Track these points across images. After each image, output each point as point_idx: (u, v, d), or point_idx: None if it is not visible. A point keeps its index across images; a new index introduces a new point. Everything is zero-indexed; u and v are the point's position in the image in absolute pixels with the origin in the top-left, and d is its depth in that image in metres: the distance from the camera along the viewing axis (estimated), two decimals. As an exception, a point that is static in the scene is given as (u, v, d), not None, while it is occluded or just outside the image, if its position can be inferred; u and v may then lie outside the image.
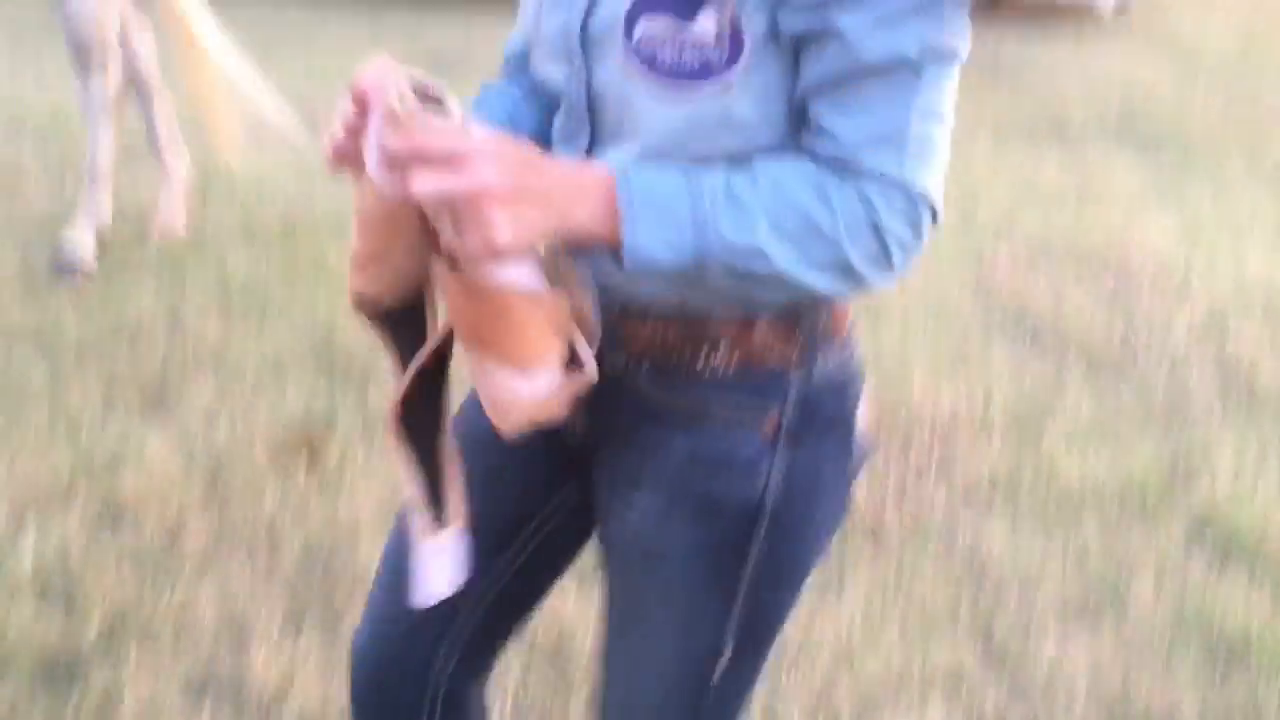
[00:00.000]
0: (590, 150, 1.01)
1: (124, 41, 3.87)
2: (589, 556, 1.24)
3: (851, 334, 1.07)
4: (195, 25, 3.76)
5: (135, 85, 4.00)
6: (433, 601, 1.01)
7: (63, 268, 3.74)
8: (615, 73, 0.95)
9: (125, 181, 4.44)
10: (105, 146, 3.84)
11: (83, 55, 3.62)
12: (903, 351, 3.58)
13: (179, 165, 4.11)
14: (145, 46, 3.95)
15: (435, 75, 0.92)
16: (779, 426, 1.00)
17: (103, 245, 3.91)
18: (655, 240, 0.86)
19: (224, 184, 4.43)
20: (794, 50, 0.89)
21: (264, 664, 2.28)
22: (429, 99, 0.86)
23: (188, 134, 4.12)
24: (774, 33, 0.89)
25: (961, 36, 0.89)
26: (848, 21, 0.85)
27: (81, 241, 3.79)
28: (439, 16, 7.70)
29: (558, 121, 1.05)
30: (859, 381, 1.07)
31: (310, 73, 6.45)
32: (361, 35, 7.48)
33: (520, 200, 0.81)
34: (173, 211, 4.12)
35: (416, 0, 8.09)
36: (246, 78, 3.80)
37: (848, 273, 0.90)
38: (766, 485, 1.00)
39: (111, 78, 3.75)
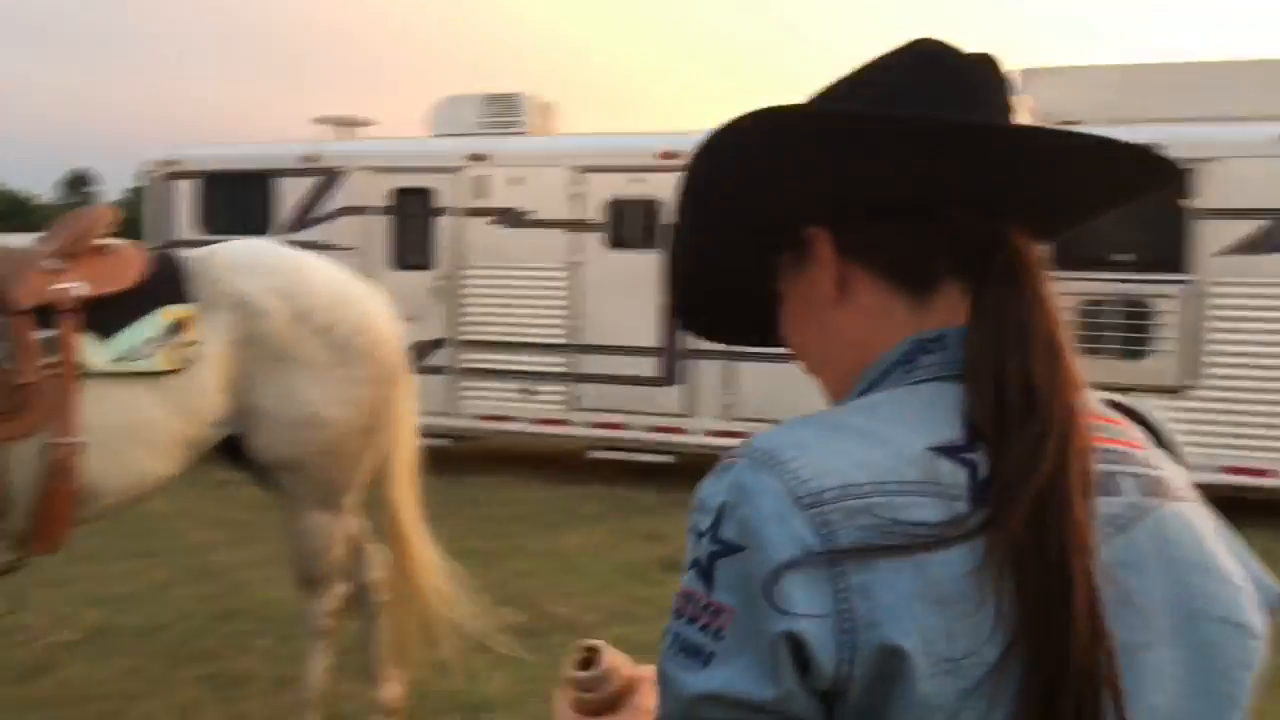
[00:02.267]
0: None
1: (354, 557, 3.90)
2: None
3: None
4: (415, 542, 3.78)
5: (360, 600, 3.98)
6: None
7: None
8: None
9: (345, 691, 4.36)
10: (318, 667, 3.75)
11: (308, 575, 3.62)
12: None
13: (392, 683, 3.96)
14: (375, 564, 3.95)
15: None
16: None
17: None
18: None
19: (437, 701, 4.24)
20: None
21: None
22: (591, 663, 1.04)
23: (404, 651, 4.01)
24: None
25: None
26: None
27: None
28: (680, 521, 7.70)
29: None
30: None
31: (543, 563, 6.49)
32: (603, 531, 7.56)
33: None
34: (381, 730, 3.93)
35: (661, 503, 8.23)
36: (459, 598, 3.75)
37: None
38: None
39: (334, 599, 3.72)
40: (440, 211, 9.83)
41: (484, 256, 9.71)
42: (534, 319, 9.53)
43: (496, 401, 9.64)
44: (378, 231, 10.00)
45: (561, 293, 9.44)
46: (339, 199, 10.11)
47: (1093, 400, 0.89)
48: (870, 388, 0.91)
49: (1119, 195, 0.98)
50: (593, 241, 9.34)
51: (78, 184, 72.67)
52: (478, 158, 9.71)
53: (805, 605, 0.76)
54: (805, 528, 0.78)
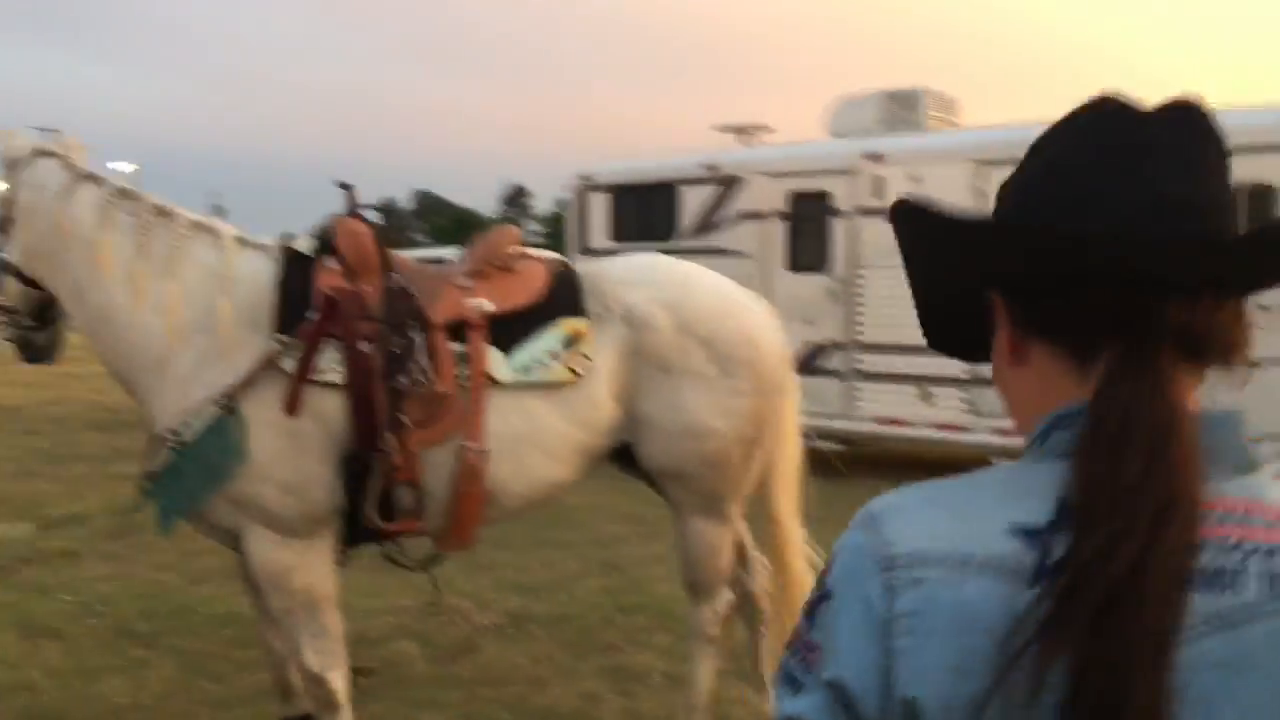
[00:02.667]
0: None
1: (739, 565, 3.93)
2: None
3: None
4: (793, 555, 3.74)
5: (745, 608, 4.00)
6: None
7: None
8: None
9: (736, 696, 4.42)
10: (706, 676, 3.80)
11: (694, 580, 3.68)
12: None
13: (777, 694, 3.96)
14: (760, 573, 3.96)
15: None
16: None
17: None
18: None
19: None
20: None
21: None
22: None
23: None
24: None
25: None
26: None
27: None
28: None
29: None
30: None
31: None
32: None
33: None
34: (766, 741, 3.94)
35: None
36: None
37: None
38: None
39: (721, 605, 3.76)
40: (837, 213, 9.77)
41: (881, 257, 9.53)
42: (933, 321, 9.22)
43: (893, 405, 9.43)
44: (775, 235, 10.11)
45: (962, 293, 9.06)
46: (738, 205, 10.33)
47: (1251, 490, 0.86)
48: (1028, 453, 0.94)
49: None
50: (996, 239, 8.90)
51: (515, 198, 79.71)
52: (874, 157, 9.55)
53: (854, 659, 0.87)
54: (875, 588, 0.87)
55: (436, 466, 3.18)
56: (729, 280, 3.69)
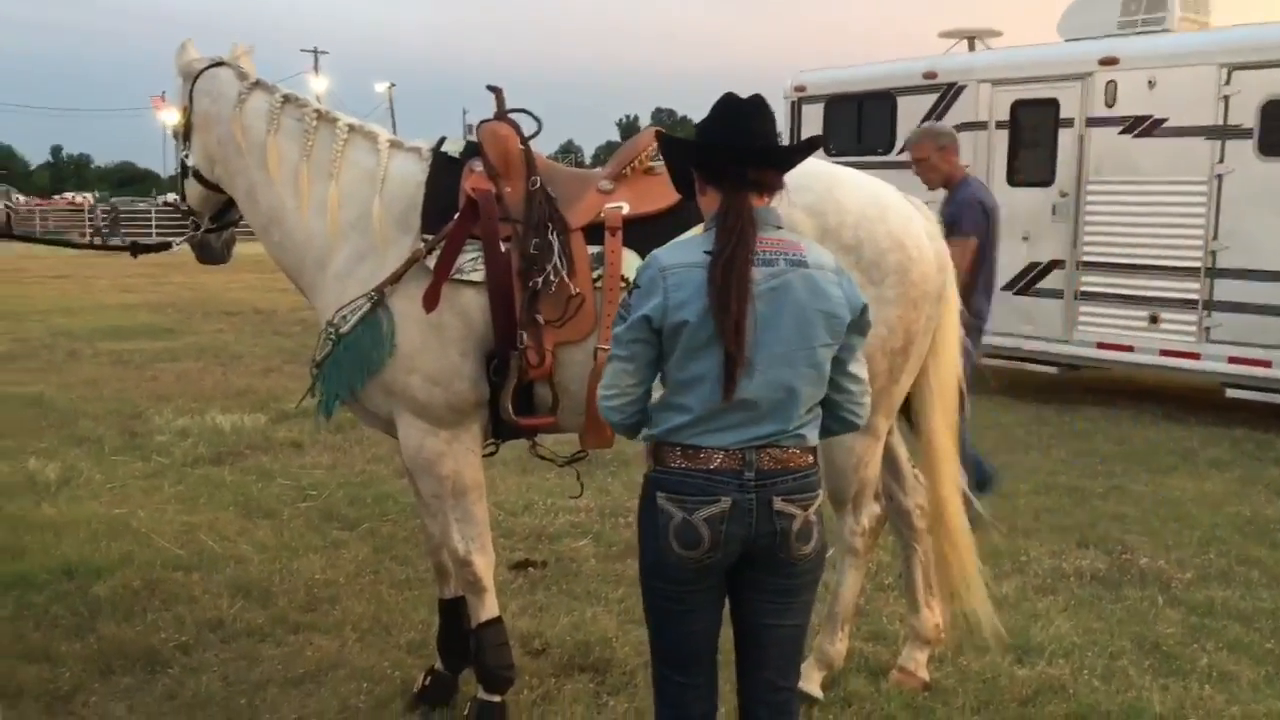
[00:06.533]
0: None
1: (894, 480, 3.84)
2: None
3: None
4: (946, 474, 3.61)
5: (898, 524, 3.92)
6: None
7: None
8: None
9: (897, 611, 4.35)
10: (850, 588, 3.75)
11: (839, 493, 3.61)
12: None
13: (928, 617, 3.86)
14: (916, 489, 3.85)
15: None
16: None
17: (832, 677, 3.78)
18: None
19: (979, 641, 4.05)
20: None
21: None
22: None
23: (941, 582, 3.86)
24: None
25: None
26: None
27: (810, 675, 3.68)
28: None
29: None
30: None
31: (1143, 508, 5.85)
32: (1224, 479, 6.64)
33: None
34: (915, 662, 3.86)
35: None
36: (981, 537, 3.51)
37: None
38: None
39: (868, 519, 3.69)
40: (1063, 122, 9.16)
41: (1111, 170, 8.91)
42: (1166, 239, 8.57)
43: (1117, 329, 8.87)
44: (995, 147, 9.60)
45: (1200, 209, 8.36)
46: (956, 114, 9.85)
47: (783, 235, 2.45)
48: (706, 228, 2.47)
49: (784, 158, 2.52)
50: (1241, 150, 8.13)
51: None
52: (1108, 61, 8.88)
53: (651, 305, 2.37)
54: (658, 280, 2.37)
55: (572, 365, 3.25)
56: (886, 184, 3.55)
